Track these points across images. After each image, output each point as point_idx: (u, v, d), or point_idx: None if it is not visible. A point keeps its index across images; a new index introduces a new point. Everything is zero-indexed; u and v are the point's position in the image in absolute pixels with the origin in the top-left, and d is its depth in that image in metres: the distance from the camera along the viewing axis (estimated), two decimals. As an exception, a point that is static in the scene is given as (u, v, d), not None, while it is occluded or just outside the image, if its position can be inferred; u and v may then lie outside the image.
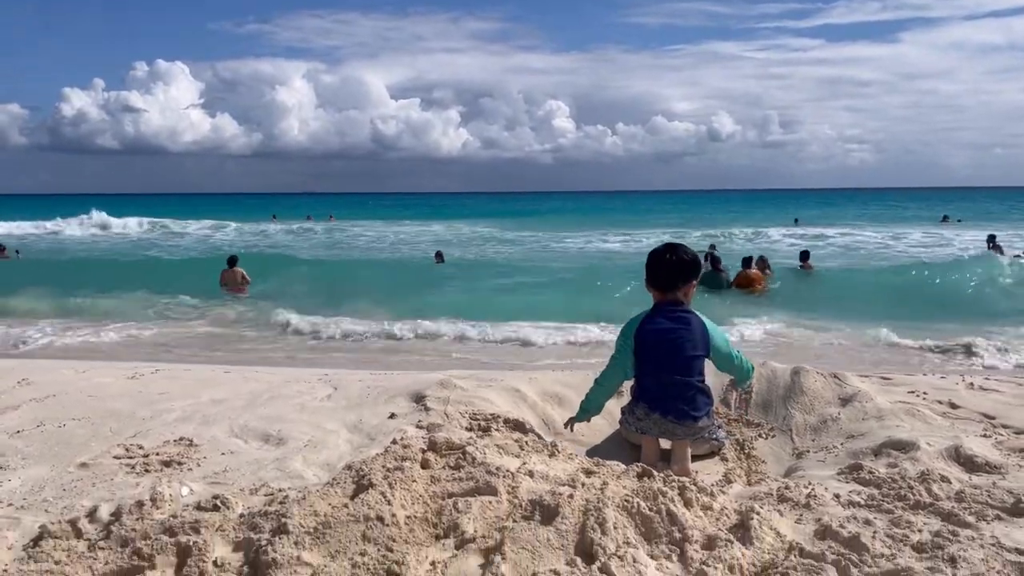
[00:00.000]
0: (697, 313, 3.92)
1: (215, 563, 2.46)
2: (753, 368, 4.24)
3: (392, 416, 4.23)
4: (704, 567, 2.36)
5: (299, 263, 20.30)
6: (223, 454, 3.64)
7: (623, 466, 3.19)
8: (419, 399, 4.50)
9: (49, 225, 35.73)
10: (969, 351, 8.85)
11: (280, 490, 3.10)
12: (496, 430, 3.92)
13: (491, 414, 4.16)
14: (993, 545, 2.49)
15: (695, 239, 26.86)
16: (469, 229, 39.66)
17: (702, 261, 14.90)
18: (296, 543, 2.50)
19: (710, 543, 2.56)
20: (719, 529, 2.66)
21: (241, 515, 2.80)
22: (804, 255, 16.87)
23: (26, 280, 14.59)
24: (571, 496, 2.68)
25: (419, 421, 4.09)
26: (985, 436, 3.77)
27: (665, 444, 3.93)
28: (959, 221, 43.50)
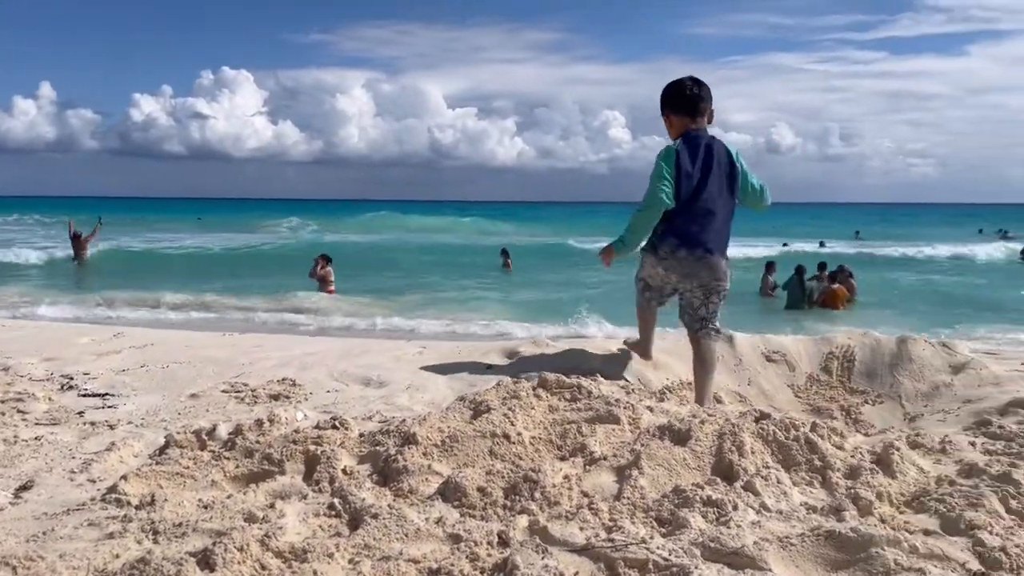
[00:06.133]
0: (719, 139, 3.72)
1: (344, 471, 2.43)
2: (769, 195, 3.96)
3: (489, 367, 4.19)
4: (854, 492, 2.25)
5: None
6: (328, 391, 3.64)
7: (738, 411, 3.09)
8: (512, 355, 4.45)
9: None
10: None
11: (394, 417, 3.07)
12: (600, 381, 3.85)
13: (590, 368, 4.08)
14: None
15: (778, 252, 25.01)
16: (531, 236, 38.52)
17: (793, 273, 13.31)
18: (425, 454, 2.46)
19: (853, 472, 2.44)
20: (860, 461, 2.54)
21: (361, 434, 2.77)
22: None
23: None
24: (703, 422, 2.59)
25: (517, 373, 4.03)
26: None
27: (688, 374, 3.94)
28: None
